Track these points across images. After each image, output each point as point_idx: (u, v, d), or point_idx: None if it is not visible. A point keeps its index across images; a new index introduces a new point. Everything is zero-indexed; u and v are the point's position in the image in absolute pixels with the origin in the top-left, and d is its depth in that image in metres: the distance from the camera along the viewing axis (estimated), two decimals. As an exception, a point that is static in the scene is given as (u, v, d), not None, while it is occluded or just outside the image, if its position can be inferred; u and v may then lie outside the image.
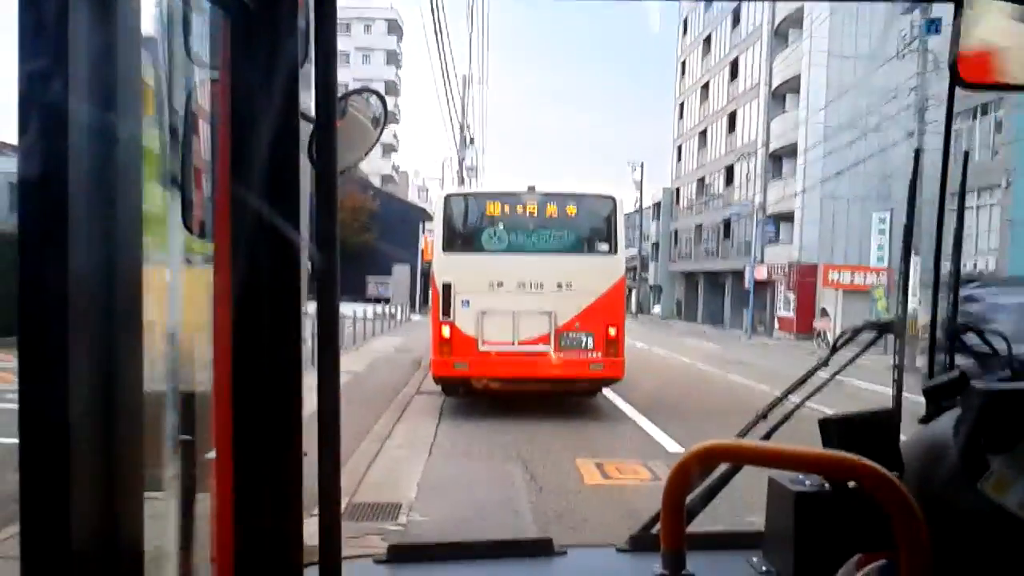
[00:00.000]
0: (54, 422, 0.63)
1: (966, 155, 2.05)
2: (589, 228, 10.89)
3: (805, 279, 33.42)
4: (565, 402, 11.56)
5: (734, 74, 45.12)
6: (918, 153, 1.85)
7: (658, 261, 59.44)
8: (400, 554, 1.46)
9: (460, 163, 31.33)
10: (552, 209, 10.65)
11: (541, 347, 10.39)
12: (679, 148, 56.41)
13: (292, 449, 0.87)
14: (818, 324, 30.88)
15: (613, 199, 10.94)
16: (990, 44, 1.41)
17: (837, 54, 33.41)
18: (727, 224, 45.19)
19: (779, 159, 39.34)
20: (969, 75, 1.43)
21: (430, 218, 21.21)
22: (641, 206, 61.30)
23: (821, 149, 31.33)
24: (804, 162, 33.17)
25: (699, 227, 50.73)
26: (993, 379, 1.45)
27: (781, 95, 38.93)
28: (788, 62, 37.05)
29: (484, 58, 51.04)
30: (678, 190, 56.50)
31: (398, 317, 33.77)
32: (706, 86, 50.28)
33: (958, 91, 1.48)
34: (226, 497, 0.85)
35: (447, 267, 10.55)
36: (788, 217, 36.07)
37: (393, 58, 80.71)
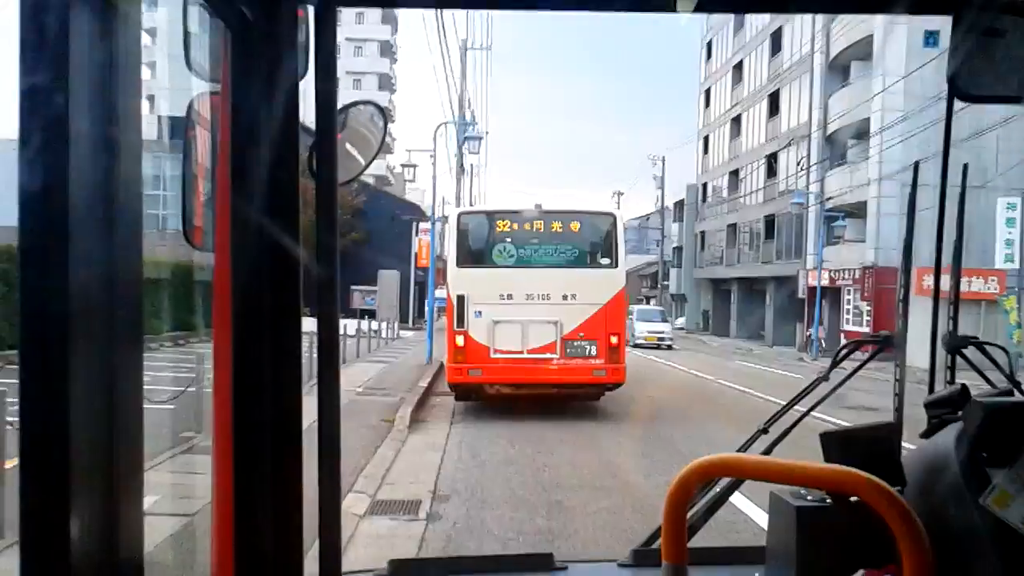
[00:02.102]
0: (55, 428, 0.64)
1: (965, 168, 1.83)
2: (591, 243, 11.51)
3: (884, 286, 27.11)
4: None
5: (776, 47, 38.92)
6: (917, 165, 1.85)
7: (681, 267, 53.15)
8: (401, 570, 1.40)
9: (459, 145, 25.26)
10: (557, 225, 11.30)
11: (548, 355, 10.98)
12: (705, 139, 50.15)
13: (292, 465, 0.86)
14: (815, 332, 32.12)
15: (614, 215, 11.96)
16: (987, 56, 1.43)
17: (921, 9, 27.21)
18: (770, 222, 38.92)
19: (840, 143, 33.09)
20: (968, 87, 1.46)
21: (425, 217, 20.21)
22: (663, 205, 55.05)
23: (901, 128, 25.08)
24: (881, 143, 26.88)
25: (732, 227, 44.45)
26: (994, 393, 1.47)
27: (842, 65, 32.69)
28: (854, 23, 30.82)
29: (488, 27, 44.59)
30: (705, 186, 50.20)
31: (384, 334, 27.49)
32: (739, 66, 44.12)
33: None
34: (226, 512, 0.83)
35: (461, 280, 11.22)
36: (856, 211, 29.77)
37: (387, 50, 74.90)
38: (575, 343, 11.05)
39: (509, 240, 11.35)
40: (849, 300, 30.26)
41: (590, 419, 11.34)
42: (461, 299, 11.11)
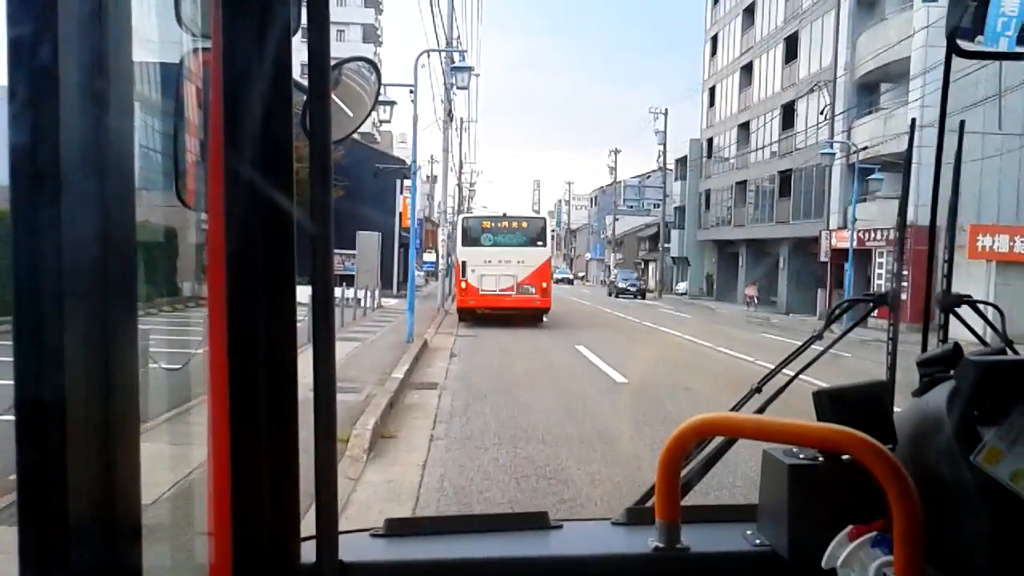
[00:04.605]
0: (50, 390, 0.65)
1: (962, 124, 1.82)
2: (534, 233, 21.03)
3: (924, 247, 24.10)
4: None
5: (796, -15, 35.40)
6: (914, 123, 1.91)
7: (684, 228, 50.05)
8: (397, 528, 1.40)
9: (446, 81, 22.01)
10: (515, 223, 21.12)
11: (509, 292, 20.30)
12: (711, 90, 46.74)
13: (288, 423, 0.87)
14: (748, 291, 35.95)
15: (544, 218, 23.67)
16: (987, 12, 1.43)
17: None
18: (786, 178, 35.77)
19: (873, 87, 29.84)
20: (967, 44, 1.46)
21: (408, 174, 22.21)
22: (664, 161, 51.72)
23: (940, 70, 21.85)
24: (923, 84, 23.67)
25: (741, 184, 41.29)
26: (987, 351, 1.47)
27: None
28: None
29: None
30: (710, 141, 46.90)
31: (364, 302, 24.37)
32: (751, 8, 40.57)
33: None
34: (222, 470, 0.85)
35: (464, 253, 20.75)
36: (892, 163, 26.62)
37: (371, -1, 70.56)
38: (523, 286, 20.35)
39: (489, 231, 20.75)
40: (881, 264, 27.30)
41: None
42: (464, 263, 20.51)
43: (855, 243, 27.24)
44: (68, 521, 0.65)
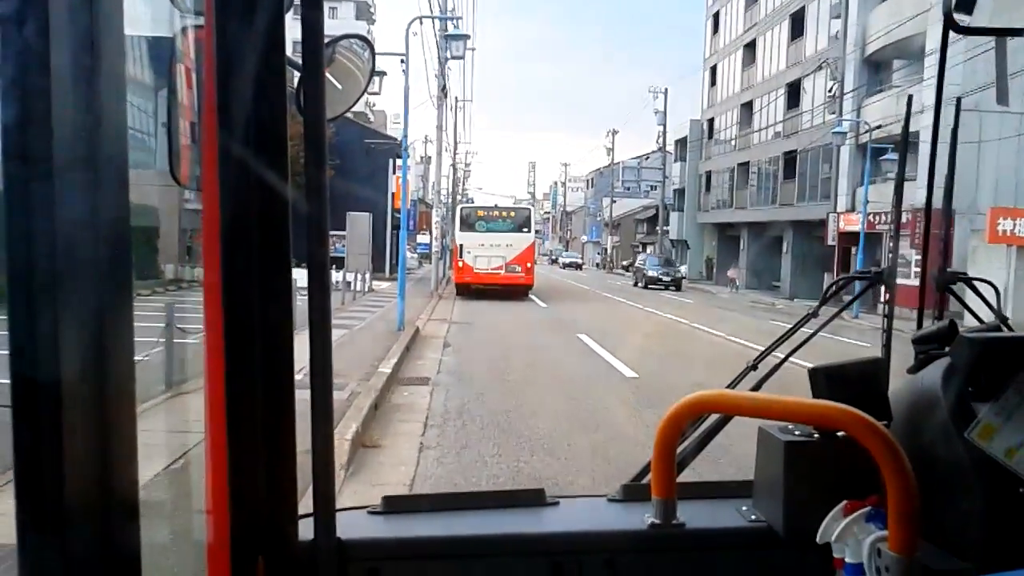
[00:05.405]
0: (47, 376, 0.65)
1: (958, 101, 1.86)
2: (521, 220, 25.38)
3: (938, 230, 23.12)
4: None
5: (803, -41, 34.15)
6: (910, 99, 1.90)
7: (683, 211, 49.02)
8: (394, 505, 1.40)
9: (442, 63, 20.90)
10: (504, 213, 25.71)
11: (499, 271, 24.19)
12: (712, 69, 45.54)
13: (285, 402, 0.87)
14: (731, 273, 37.54)
15: (530, 208, 28.41)
16: None
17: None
18: (790, 159, 34.71)
19: (883, 64, 28.74)
20: (964, 20, 1.44)
21: (399, 153, 21.45)
22: (664, 142, 50.54)
23: (963, 44, 20.81)
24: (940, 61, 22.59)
25: (743, 166, 40.22)
26: (982, 328, 1.46)
27: (887, -27, 28.16)
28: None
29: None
30: (711, 121, 45.75)
31: (355, 286, 23.32)
32: (756, -17, 39.32)
33: None
34: (220, 450, 0.85)
35: (462, 237, 24.83)
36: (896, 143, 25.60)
37: (364, -27, 68.78)
38: (510, 266, 24.13)
39: (483, 219, 24.85)
40: (890, 247, 26.35)
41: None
42: (461, 246, 24.50)
43: (866, 226, 26.28)
44: (65, 502, 0.64)
